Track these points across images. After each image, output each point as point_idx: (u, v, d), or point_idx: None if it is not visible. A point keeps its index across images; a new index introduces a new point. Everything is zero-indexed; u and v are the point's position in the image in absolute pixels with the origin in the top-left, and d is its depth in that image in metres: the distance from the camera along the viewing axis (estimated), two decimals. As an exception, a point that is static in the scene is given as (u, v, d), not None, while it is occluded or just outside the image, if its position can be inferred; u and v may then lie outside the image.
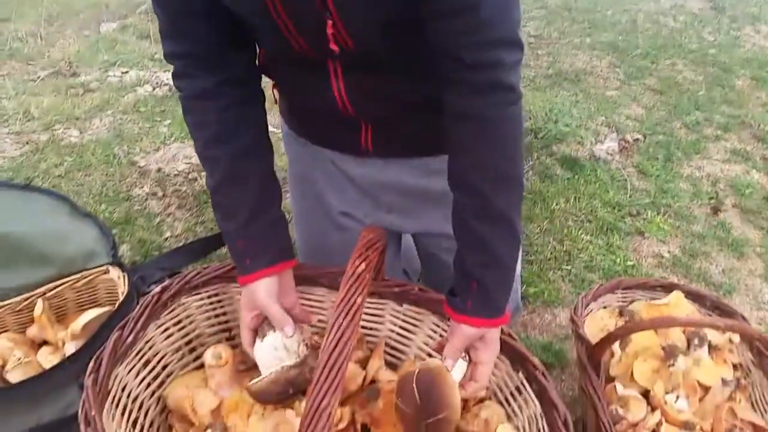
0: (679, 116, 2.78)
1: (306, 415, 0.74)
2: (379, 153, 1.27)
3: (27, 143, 2.30)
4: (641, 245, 2.06)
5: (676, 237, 2.10)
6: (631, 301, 1.56)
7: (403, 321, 1.35)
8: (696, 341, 1.39)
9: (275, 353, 1.14)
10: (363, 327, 1.36)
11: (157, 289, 1.19)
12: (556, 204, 2.18)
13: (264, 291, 1.10)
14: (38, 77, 2.89)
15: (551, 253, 1.97)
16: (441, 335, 1.31)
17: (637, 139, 2.55)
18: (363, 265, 0.90)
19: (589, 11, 3.77)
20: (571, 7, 3.84)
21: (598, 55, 3.24)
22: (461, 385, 1.11)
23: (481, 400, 1.24)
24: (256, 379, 1.11)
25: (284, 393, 1.12)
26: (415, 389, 1.13)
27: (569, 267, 1.93)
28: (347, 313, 0.82)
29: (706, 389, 1.34)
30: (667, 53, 3.27)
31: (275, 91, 1.32)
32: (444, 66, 0.98)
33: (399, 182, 1.32)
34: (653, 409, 1.28)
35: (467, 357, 1.18)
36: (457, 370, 1.19)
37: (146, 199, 2.02)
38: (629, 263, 1.96)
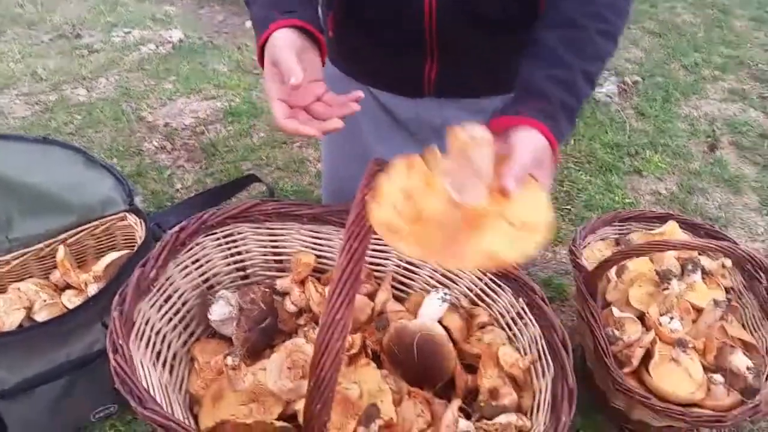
0: (678, 58, 2.80)
1: (322, 327, 0.79)
2: (437, 91, 1.29)
3: (36, 103, 2.35)
4: (639, 183, 2.11)
5: (673, 174, 2.15)
6: (628, 233, 1.61)
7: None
8: (690, 267, 1.45)
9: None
10: (370, 263, 1.42)
11: (176, 228, 1.24)
12: (556, 147, 2.21)
13: (285, 39, 0.97)
14: (42, 41, 2.92)
15: (552, 194, 2.02)
16: (445, 269, 1.38)
17: (636, 82, 2.57)
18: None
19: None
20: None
21: None
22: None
23: (484, 326, 1.31)
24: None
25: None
26: (415, 351, 1.20)
27: (569, 207, 1.99)
28: (357, 235, 0.85)
29: (699, 311, 1.39)
30: (666, -4, 3.28)
31: (330, 27, 1.28)
32: None
33: (452, 123, 1.36)
34: (648, 330, 1.34)
35: (447, 296, 1.26)
36: (435, 306, 1.27)
37: (156, 153, 2.08)
38: (627, 201, 2.01)
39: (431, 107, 1.33)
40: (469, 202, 0.83)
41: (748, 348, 1.34)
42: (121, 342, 1.04)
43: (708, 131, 2.35)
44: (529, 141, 0.91)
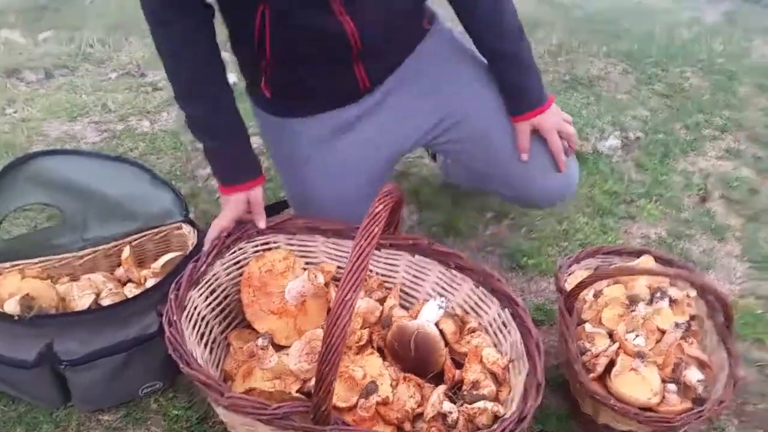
0: (681, 118, 3.01)
1: (335, 305, 1.01)
2: (374, 81, 1.63)
3: (105, 131, 2.67)
4: (632, 228, 2.32)
5: (664, 221, 2.35)
6: (610, 264, 1.82)
7: (415, 270, 1.65)
8: (658, 294, 1.65)
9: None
10: (381, 274, 1.67)
11: (224, 234, 1.52)
12: (560, 192, 2.44)
13: (259, 194, 1.58)
14: (110, 78, 3.27)
15: (551, 232, 2.24)
16: (446, 282, 1.61)
17: (639, 137, 2.80)
18: (381, 206, 1.13)
19: (609, 22, 3.99)
20: (593, 19, 4.07)
21: (613, 62, 3.46)
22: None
23: (474, 331, 1.54)
24: None
25: None
26: (412, 346, 1.44)
27: (566, 243, 2.21)
28: (366, 237, 1.06)
29: (663, 333, 1.60)
30: (677, 62, 3.49)
31: (264, 79, 1.63)
32: None
33: (389, 104, 1.68)
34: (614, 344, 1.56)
35: (443, 303, 1.51)
36: (433, 311, 1.51)
37: (207, 179, 2.35)
38: (619, 241, 2.23)
39: (369, 104, 1.67)
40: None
41: (702, 366, 1.54)
42: (175, 318, 1.30)
43: (701, 184, 2.55)
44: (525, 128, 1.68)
